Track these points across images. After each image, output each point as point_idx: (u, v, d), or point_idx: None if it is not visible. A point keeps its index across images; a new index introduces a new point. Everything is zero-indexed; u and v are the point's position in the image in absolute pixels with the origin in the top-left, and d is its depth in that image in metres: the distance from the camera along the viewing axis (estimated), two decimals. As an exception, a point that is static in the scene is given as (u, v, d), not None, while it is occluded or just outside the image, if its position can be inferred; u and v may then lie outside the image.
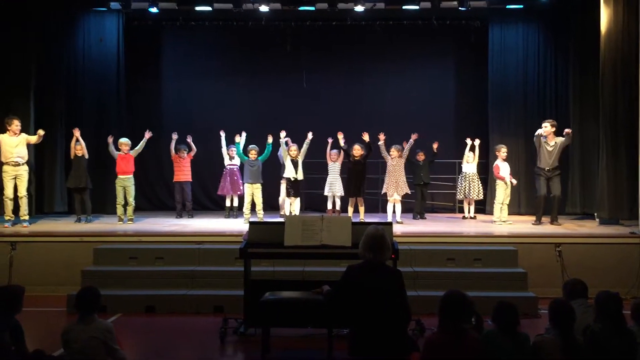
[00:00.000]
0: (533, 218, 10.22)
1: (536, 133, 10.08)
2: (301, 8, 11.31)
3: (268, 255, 6.36)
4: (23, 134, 9.64)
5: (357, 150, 10.19)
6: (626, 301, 4.59)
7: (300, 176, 10.42)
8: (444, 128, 12.70)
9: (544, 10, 11.59)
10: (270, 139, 10.47)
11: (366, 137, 10.26)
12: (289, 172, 10.35)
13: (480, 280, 7.56)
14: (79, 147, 10.32)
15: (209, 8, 11.54)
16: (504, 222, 10.09)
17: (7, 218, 9.36)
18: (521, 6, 11.75)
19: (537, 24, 11.93)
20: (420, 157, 11.23)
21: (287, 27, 12.35)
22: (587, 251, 8.28)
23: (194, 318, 7.08)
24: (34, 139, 9.75)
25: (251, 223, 6.51)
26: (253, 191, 10.29)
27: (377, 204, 11.91)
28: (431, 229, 9.71)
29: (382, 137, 10.31)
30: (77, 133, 10.34)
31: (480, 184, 11.27)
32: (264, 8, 11.36)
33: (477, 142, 11.22)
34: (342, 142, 10.45)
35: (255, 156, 10.45)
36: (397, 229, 8.89)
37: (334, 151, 10.68)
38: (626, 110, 9.68)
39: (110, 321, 5.86)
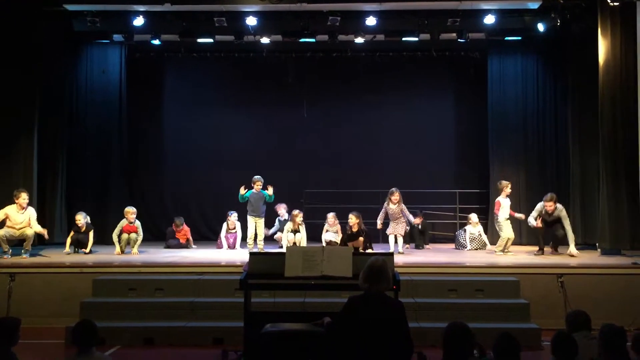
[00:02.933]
0: (534, 248, 10.18)
1: (533, 216, 9.95)
2: (302, 40, 11.44)
3: (268, 286, 6.31)
4: (29, 211, 9.50)
5: (352, 220, 9.80)
6: (629, 332, 4.54)
7: (302, 241, 10.15)
8: (444, 157, 12.78)
9: (542, 42, 11.74)
10: (271, 190, 10.35)
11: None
12: (283, 240, 10.23)
13: (482, 312, 7.50)
14: (80, 218, 10.17)
15: (210, 40, 11.69)
16: (505, 253, 10.03)
17: (4, 249, 9.29)
18: (519, 38, 11.91)
19: (536, 55, 12.06)
20: (418, 220, 11.10)
21: (288, 58, 12.49)
22: (590, 282, 8.21)
23: (193, 350, 6.99)
24: (38, 229, 9.54)
25: (251, 254, 6.47)
26: (256, 222, 10.27)
27: (379, 234, 11.87)
28: (432, 259, 9.65)
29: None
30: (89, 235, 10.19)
31: (484, 237, 11.17)
32: (265, 40, 11.53)
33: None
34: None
35: (260, 187, 10.40)
36: (398, 259, 8.83)
37: (331, 214, 10.42)
38: (626, 140, 9.72)
39: (108, 354, 5.79)
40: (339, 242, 9.99)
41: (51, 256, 9.68)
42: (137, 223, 10.20)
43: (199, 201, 12.25)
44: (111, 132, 11.96)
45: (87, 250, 10.04)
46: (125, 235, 10.09)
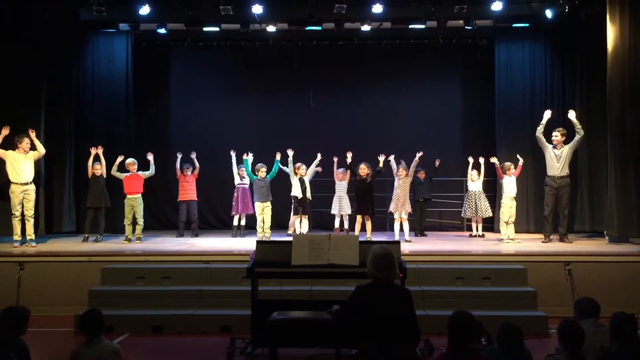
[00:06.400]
0: (541, 236, 10.16)
1: (538, 133, 10.07)
2: (308, 28, 11.39)
3: (275, 274, 6.34)
4: (31, 152, 9.65)
5: (363, 170, 10.24)
6: (638, 320, 4.53)
7: (308, 195, 10.52)
8: (451, 145, 12.73)
9: (549, 28, 11.64)
10: (278, 156, 10.53)
11: (381, 162, 10.25)
12: (296, 190, 10.44)
13: (489, 300, 7.48)
14: (97, 167, 10.38)
15: (216, 29, 11.66)
16: (511, 240, 10.02)
17: (15, 238, 9.36)
18: (527, 24, 11.82)
19: (544, 42, 11.97)
20: (421, 175, 11.31)
21: (294, 46, 12.45)
22: (597, 269, 8.18)
23: (201, 338, 7.03)
24: (40, 151, 9.72)
25: (258, 242, 6.49)
26: (263, 209, 10.35)
27: (385, 222, 11.88)
28: (439, 247, 9.65)
29: (382, 158, 10.30)
30: (99, 151, 10.43)
31: (488, 202, 11.21)
32: (271, 28, 11.48)
33: (481, 160, 11.16)
34: (349, 160, 10.49)
35: (264, 174, 10.50)
36: (405, 247, 8.84)
37: (341, 170, 10.75)
38: (634, 127, 9.65)
39: (117, 342, 5.84)
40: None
41: (60, 245, 9.75)
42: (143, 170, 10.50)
43: (206, 190, 12.24)
44: (117, 121, 11.95)
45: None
46: (129, 222, 10.16)
